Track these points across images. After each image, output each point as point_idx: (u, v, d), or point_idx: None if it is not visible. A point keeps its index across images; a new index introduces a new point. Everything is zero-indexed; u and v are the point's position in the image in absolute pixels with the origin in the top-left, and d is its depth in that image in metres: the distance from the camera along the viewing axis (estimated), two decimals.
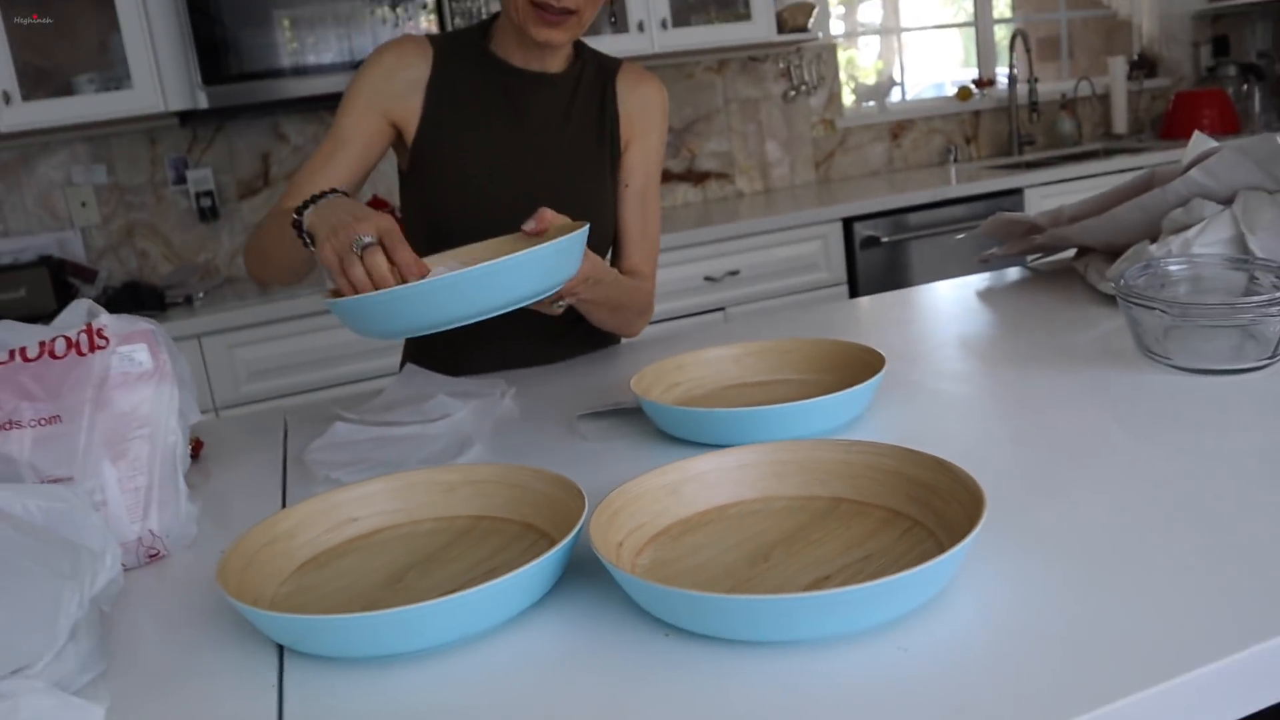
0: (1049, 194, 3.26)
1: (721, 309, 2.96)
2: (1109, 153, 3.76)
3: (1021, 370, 1.11)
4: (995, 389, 1.07)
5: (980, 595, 0.65)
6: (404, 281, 0.92)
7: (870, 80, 3.95)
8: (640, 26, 3.06)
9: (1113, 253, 1.40)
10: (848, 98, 3.81)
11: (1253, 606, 0.60)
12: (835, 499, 0.81)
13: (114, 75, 2.70)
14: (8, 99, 2.52)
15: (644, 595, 0.65)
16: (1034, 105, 3.88)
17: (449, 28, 2.77)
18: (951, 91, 3.97)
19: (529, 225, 1.08)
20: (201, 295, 2.78)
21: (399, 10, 2.75)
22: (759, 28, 3.21)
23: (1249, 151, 1.21)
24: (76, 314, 0.91)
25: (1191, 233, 1.20)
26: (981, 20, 4.06)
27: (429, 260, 1.07)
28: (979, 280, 1.59)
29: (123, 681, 0.67)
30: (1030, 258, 1.65)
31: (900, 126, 3.83)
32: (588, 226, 1.03)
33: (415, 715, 0.60)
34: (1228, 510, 0.73)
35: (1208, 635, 0.58)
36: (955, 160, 3.89)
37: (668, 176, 3.49)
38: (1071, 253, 1.58)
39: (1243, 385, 0.98)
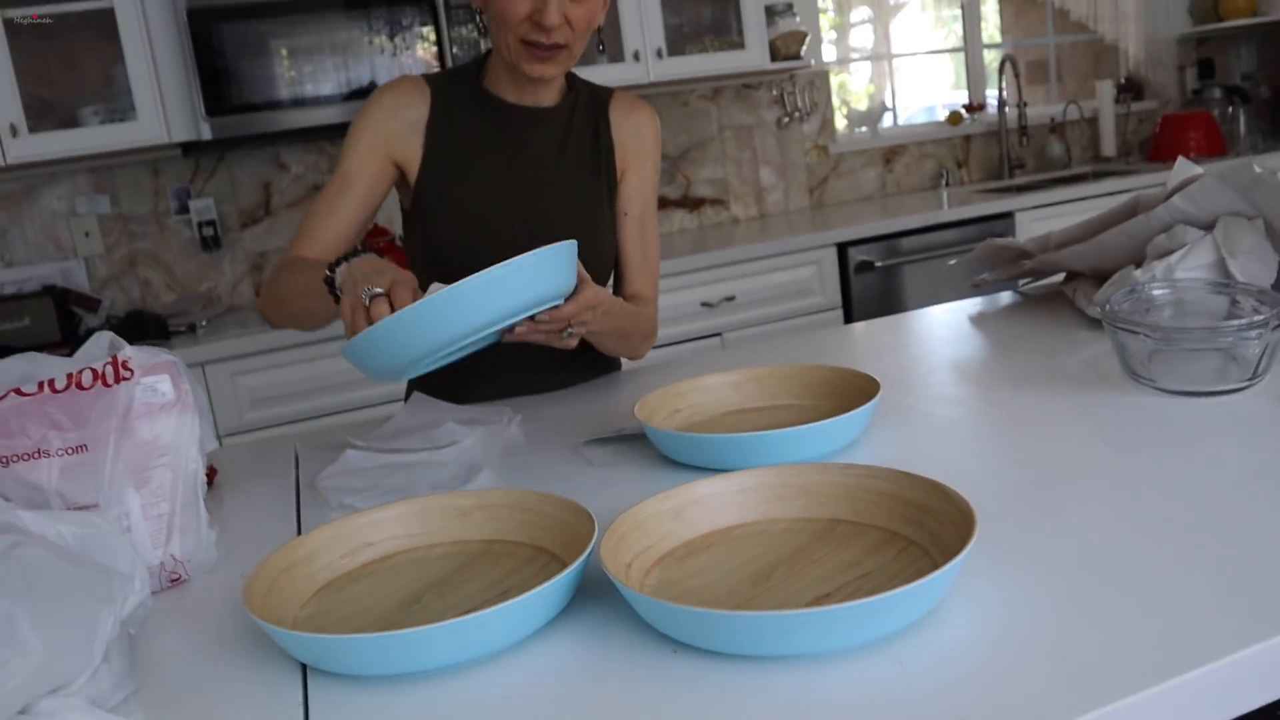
0: (1040, 217, 3.30)
1: (718, 334, 2.99)
2: (1098, 175, 3.81)
3: (1012, 393, 1.14)
4: (987, 411, 1.11)
5: (975, 610, 0.68)
6: None
7: (862, 106, 4.01)
8: (636, 56, 3.11)
9: (1100, 277, 1.43)
10: (840, 123, 3.87)
11: (1238, 612, 0.63)
12: (834, 520, 0.83)
13: (118, 107, 2.74)
14: (15, 131, 2.56)
15: (652, 613, 0.68)
16: (1024, 129, 3.93)
17: (447, 57, 2.81)
18: (942, 116, 4.02)
19: None
20: (204, 324, 2.81)
21: (397, 40, 2.78)
22: (753, 56, 3.26)
23: (1229, 179, 1.25)
24: (99, 346, 0.94)
25: (1175, 258, 1.24)
26: (971, 45, 4.12)
27: (431, 288, 1.11)
28: (971, 305, 1.63)
29: (153, 701, 0.70)
30: (1021, 282, 1.69)
31: (892, 151, 3.88)
32: (574, 242, 1.05)
33: None
34: (1212, 524, 0.76)
35: (1194, 639, 0.61)
36: (947, 184, 3.94)
37: (664, 203, 3.53)
38: (1060, 277, 1.62)
39: (1225, 406, 1.02)
